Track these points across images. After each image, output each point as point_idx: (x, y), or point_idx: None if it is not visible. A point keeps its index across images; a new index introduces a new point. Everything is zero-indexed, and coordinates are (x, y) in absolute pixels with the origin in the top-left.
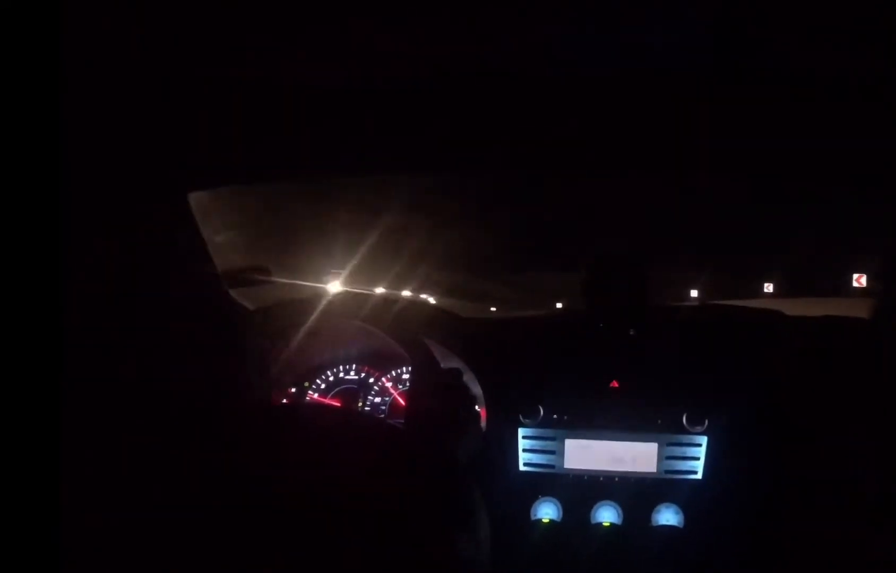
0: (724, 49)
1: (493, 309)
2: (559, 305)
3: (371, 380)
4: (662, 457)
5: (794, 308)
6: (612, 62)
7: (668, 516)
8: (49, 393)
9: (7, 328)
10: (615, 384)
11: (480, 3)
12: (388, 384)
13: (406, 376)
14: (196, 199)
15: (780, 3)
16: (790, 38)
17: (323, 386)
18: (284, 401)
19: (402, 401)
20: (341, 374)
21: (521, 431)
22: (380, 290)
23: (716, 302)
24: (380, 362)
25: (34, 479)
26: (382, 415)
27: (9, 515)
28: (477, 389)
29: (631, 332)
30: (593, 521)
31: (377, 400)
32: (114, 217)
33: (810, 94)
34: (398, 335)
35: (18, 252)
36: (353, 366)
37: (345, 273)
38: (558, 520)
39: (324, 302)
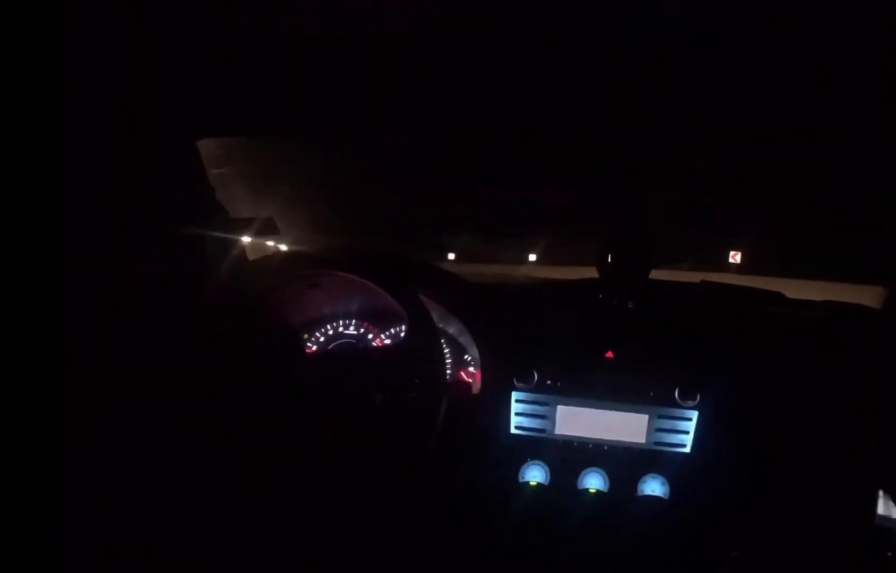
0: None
1: (451, 255)
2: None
3: (370, 336)
4: (652, 429)
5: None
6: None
7: (654, 486)
8: (52, 368)
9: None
10: (610, 354)
11: None
12: (387, 341)
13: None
14: (206, 149)
15: None
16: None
17: (322, 339)
18: None
19: None
20: (340, 329)
21: (514, 395)
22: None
23: (714, 280)
24: (378, 319)
25: (35, 469)
26: None
27: (9, 514)
28: (474, 351)
29: (630, 305)
30: (580, 487)
31: None
32: (122, 163)
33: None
34: (396, 292)
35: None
36: (353, 321)
37: (344, 228)
38: (546, 483)
39: (324, 254)
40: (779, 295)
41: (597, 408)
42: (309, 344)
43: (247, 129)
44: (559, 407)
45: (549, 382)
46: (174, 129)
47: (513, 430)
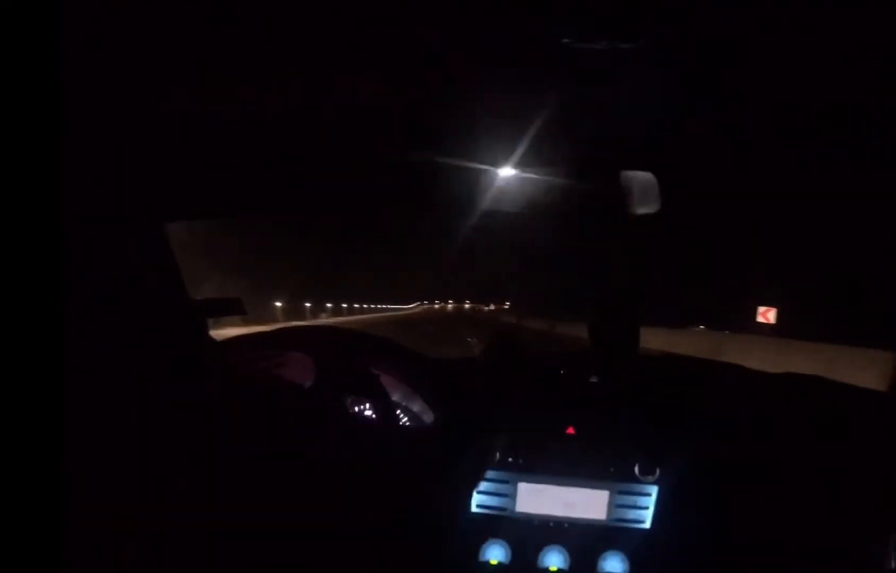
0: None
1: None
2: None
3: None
4: (613, 505)
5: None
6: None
7: (613, 564)
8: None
9: None
10: (571, 430)
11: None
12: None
13: (366, 411)
14: (175, 232)
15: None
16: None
17: None
18: None
19: None
20: None
21: (476, 473)
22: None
23: (678, 354)
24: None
25: (35, 479)
26: None
27: (9, 514)
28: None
29: (592, 380)
30: (540, 566)
31: None
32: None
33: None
34: (354, 373)
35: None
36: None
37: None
38: (507, 562)
39: (285, 336)
40: (738, 367)
41: (558, 484)
42: None
43: (213, 212)
44: (521, 484)
45: (510, 460)
46: (141, 211)
47: (474, 509)
